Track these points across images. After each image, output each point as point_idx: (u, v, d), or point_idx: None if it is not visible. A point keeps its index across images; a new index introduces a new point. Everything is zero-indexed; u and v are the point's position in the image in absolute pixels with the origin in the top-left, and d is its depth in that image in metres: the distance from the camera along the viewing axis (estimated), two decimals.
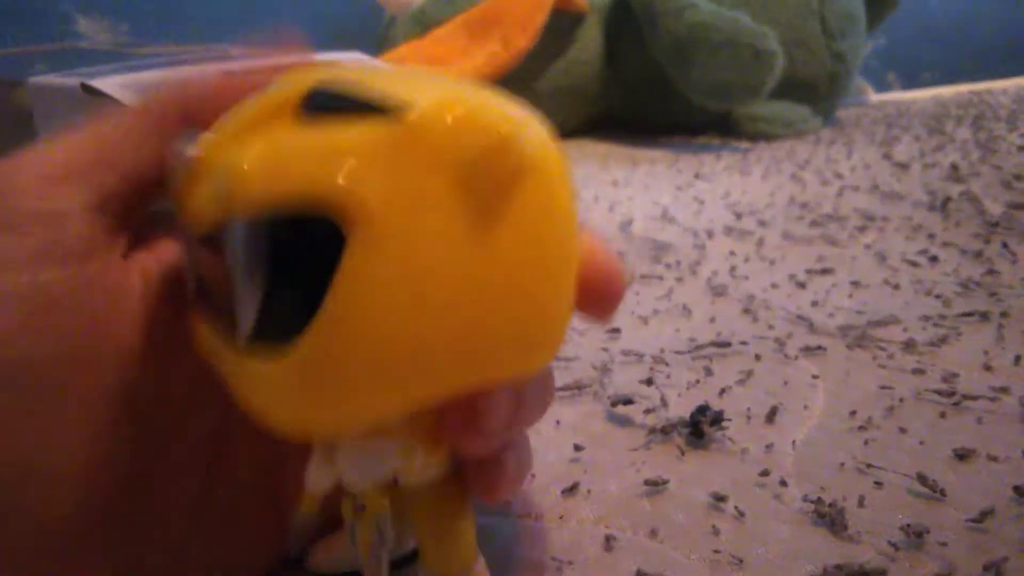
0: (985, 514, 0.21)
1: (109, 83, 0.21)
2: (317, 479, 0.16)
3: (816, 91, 1.03)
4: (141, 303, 0.15)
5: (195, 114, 0.16)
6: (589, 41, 1.03)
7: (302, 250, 0.12)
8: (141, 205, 0.16)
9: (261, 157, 0.12)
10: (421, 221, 0.12)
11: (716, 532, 0.21)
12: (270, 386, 0.12)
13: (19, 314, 0.13)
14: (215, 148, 0.13)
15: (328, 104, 0.12)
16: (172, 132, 0.15)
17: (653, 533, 0.21)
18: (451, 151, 0.12)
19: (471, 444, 0.15)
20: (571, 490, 0.23)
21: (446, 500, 0.17)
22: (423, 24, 1.02)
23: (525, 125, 0.13)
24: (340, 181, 0.11)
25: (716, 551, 0.20)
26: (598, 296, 0.16)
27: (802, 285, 0.42)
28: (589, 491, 0.23)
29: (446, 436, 0.15)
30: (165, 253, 0.16)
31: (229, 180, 0.12)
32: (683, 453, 0.25)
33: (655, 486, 0.23)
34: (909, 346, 0.32)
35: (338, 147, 0.12)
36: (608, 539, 0.21)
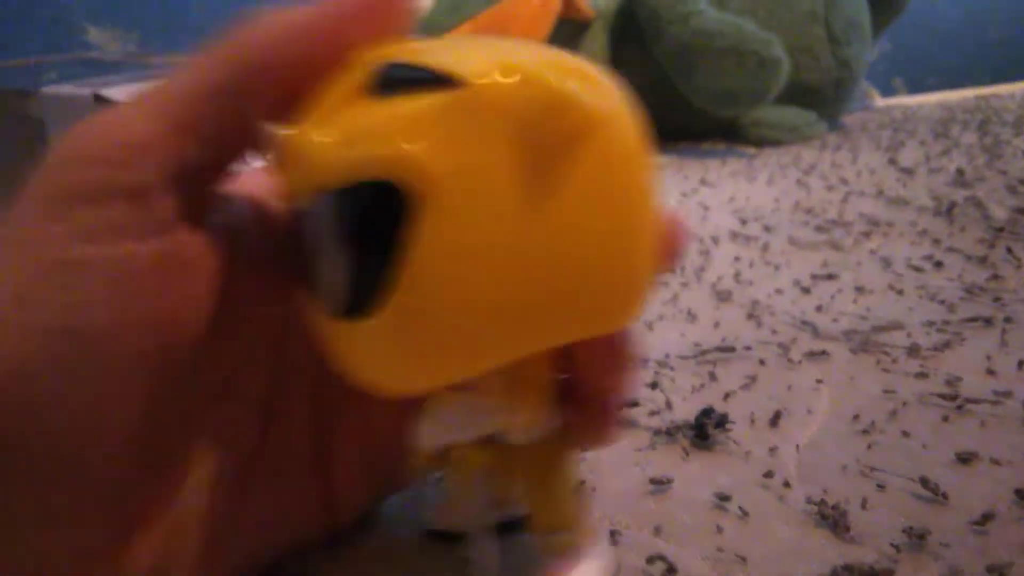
0: (987, 517, 0.21)
1: (120, 92, 0.21)
2: (427, 436, 0.16)
3: (821, 96, 1.04)
4: (212, 272, 0.15)
5: (276, 68, 0.14)
6: (594, 48, 1.04)
7: (387, 218, 0.13)
8: (221, 170, 0.15)
9: (337, 133, 0.13)
10: (488, 182, 0.12)
11: (720, 531, 0.21)
12: (362, 347, 0.13)
13: (99, 283, 0.13)
14: (301, 131, 0.14)
15: (399, 79, 0.13)
16: (254, 89, 0.14)
17: (657, 530, 0.21)
18: (513, 112, 0.12)
19: (609, 378, 0.17)
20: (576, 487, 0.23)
21: (550, 457, 0.17)
22: (430, 32, 1.02)
23: (589, 82, 0.13)
24: (405, 148, 0.12)
25: (720, 549, 0.20)
26: (666, 250, 0.16)
27: (807, 290, 0.42)
28: (594, 488, 0.23)
29: (586, 376, 0.17)
30: (238, 217, 0.16)
31: (310, 156, 0.13)
32: (687, 454, 0.25)
33: (660, 485, 0.23)
34: (913, 351, 0.32)
35: (405, 117, 0.12)
36: (613, 534, 0.21)
